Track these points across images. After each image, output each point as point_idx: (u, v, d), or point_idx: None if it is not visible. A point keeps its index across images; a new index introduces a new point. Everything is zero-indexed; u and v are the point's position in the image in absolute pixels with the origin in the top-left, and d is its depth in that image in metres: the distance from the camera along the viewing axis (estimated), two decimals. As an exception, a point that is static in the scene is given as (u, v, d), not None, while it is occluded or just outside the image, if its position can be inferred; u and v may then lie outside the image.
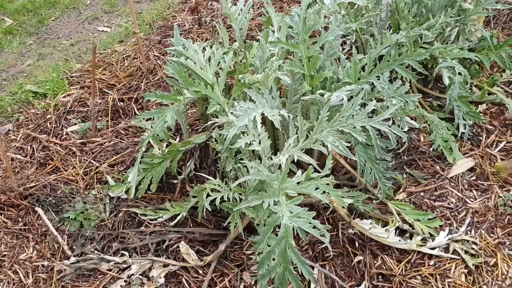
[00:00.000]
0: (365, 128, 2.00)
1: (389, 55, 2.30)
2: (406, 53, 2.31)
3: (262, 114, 1.92)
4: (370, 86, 2.24)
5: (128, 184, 2.54)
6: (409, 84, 2.42)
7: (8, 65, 3.78)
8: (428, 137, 2.82)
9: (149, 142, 2.85)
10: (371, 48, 2.30)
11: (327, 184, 1.78)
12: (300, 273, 1.75)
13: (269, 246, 1.72)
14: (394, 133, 2.10)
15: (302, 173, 1.84)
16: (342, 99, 1.94)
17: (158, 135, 2.22)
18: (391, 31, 2.97)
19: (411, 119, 2.87)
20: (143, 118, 2.91)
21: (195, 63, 2.23)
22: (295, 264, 1.71)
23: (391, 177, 2.46)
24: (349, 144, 1.93)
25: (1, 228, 2.50)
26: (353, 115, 1.96)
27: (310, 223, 1.70)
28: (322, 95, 2.02)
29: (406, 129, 2.22)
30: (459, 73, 2.69)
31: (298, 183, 1.80)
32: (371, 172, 2.32)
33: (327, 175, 1.83)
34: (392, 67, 2.28)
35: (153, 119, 2.26)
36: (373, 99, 2.19)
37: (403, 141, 2.51)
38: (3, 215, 2.56)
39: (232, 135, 1.86)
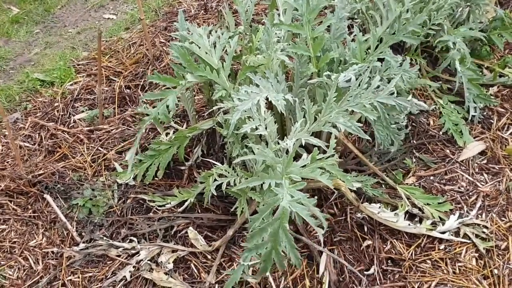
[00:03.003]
0: (374, 105, 1.97)
1: (393, 28, 2.25)
2: (408, 21, 2.25)
3: (267, 98, 1.90)
4: (379, 63, 2.20)
5: (138, 171, 2.54)
6: (418, 67, 2.37)
7: (15, 54, 3.78)
8: (438, 120, 2.78)
9: (156, 129, 2.86)
10: (376, 25, 2.26)
11: (333, 164, 1.76)
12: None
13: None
14: (400, 104, 2.06)
15: (308, 157, 1.82)
16: (350, 79, 1.91)
17: (159, 118, 2.22)
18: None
19: (419, 100, 2.84)
20: (148, 102, 2.92)
21: (199, 47, 2.20)
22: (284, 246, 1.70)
23: (404, 135, 2.40)
24: (360, 125, 1.91)
25: (11, 215, 2.52)
26: (360, 94, 1.93)
27: (308, 211, 1.68)
28: (329, 76, 1.99)
29: (410, 98, 2.18)
30: (458, 50, 2.64)
31: (304, 166, 1.78)
32: (387, 136, 2.28)
33: (332, 156, 1.81)
34: (397, 38, 2.22)
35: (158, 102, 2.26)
36: (377, 75, 2.15)
37: (410, 112, 2.46)
38: (12, 203, 2.58)
39: (236, 119, 1.83)
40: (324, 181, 1.71)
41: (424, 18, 2.26)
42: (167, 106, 2.15)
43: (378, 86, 1.94)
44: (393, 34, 2.22)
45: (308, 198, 1.71)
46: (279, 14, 2.32)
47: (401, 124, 2.34)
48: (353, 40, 2.22)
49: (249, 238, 1.72)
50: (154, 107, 2.86)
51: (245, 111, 1.84)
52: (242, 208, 2.10)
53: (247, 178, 2.10)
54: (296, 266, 1.75)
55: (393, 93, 1.97)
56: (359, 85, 1.91)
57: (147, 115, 2.92)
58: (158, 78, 2.20)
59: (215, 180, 2.12)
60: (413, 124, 2.76)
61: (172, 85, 2.22)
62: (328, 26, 2.23)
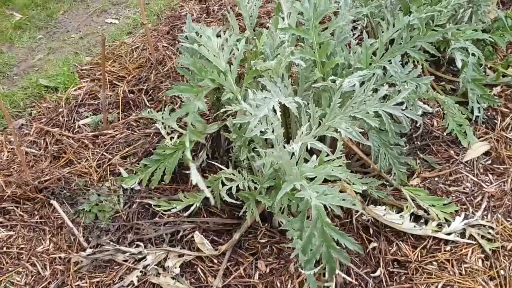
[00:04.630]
0: (377, 113, 1.97)
1: (400, 38, 2.26)
2: (418, 35, 2.26)
3: (278, 102, 1.90)
4: (382, 70, 2.21)
5: (144, 176, 2.54)
6: (421, 67, 2.38)
7: (19, 60, 3.80)
8: (442, 121, 2.79)
9: (158, 133, 2.87)
10: (383, 31, 2.27)
11: (340, 166, 1.77)
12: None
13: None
14: (408, 117, 2.07)
15: (316, 159, 1.84)
16: (354, 85, 1.92)
17: (194, 126, 2.18)
18: (402, 15, 2.92)
19: (424, 103, 2.84)
20: (152, 106, 2.92)
21: (208, 50, 2.20)
22: (336, 240, 1.71)
23: (405, 162, 2.43)
24: (362, 130, 1.91)
25: (18, 221, 2.53)
26: (365, 101, 1.94)
27: (338, 197, 1.68)
28: (334, 81, 2.00)
29: (419, 113, 2.19)
30: (473, 54, 2.64)
31: (314, 167, 1.79)
32: (385, 157, 2.30)
33: (339, 158, 1.82)
34: (404, 50, 2.24)
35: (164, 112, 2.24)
36: (385, 84, 2.16)
37: (418, 124, 2.48)
38: (19, 209, 2.59)
39: (253, 125, 1.82)
40: (338, 175, 1.72)
41: (437, 37, 2.27)
42: (198, 110, 2.10)
43: (385, 96, 1.95)
44: (399, 44, 2.23)
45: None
46: (283, 18, 2.33)
47: (402, 149, 2.36)
48: (358, 44, 2.23)
49: (302, 249, 1.72)
50: (158, 110, 2.87)
51: (261, 117, 1.84)
52: (252, 212, 2.10)
53: (254, 182, 2.11)
54: (357, 250, 1.74)
55: (402, 103, 1.98)
56: (364, 91, 1.92)
57: (152, 119, 2.93)
58: (178, 90, 2.10)
59: (223, 184, 2.13)
60: (419, 129, 2.77)
61: (192, 94, 2.16)
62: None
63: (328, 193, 1.68)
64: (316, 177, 1.75)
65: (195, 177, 1.69)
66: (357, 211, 2.37)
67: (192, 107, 2.03)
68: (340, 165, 1.82)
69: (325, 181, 1.89)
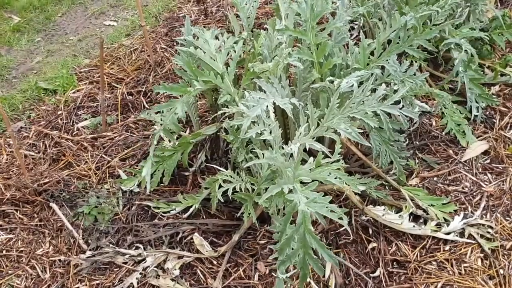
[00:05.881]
0: (376, 112, 1.98)
1: (398, 37, 2.26)
2: (415, 34, 2.26)
3: (273, 103, 1.90)
4: (380, 70, 2.21)
5: (142, 178, 2.54)
6: (419, 67, 2.38)
7: (17, 62, 3.80)
8: (441, 121, 2.79)
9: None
10: (380, 32, 2.27)
11: (338, 169, 1.77)
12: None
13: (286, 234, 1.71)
14: (406, 115, 2.07)
15: (313, 161, 1.83)
16: (352, 85, 1.92)
17: (169, 128, 2.21)
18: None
19: (422, 102, 2.85)
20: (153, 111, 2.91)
21: (205, 52, 2.21)
22: (315, 249, 1.70)
23: (406, 157, 2.43)
24: (361, 130, 1.91)
25: (17, 224, 2.53)
26: (363, 101, 1.94)
27: (327, 207, 1.68)
28: (332, 82, 2.00)
29: (416, 110, 2.20)
30: (465, 51, 2.65)
31: (310, 170, 1.79)
32: (386, 154, 2.30)
33: (337, 160, 1.82)
34: (402, 48, 2.24)
35: (163, 112, 2.25)
36: (382, 83, 2.16)
37: (414, 122, 2.48)
38: (18, 212, 2.59)
39: (247, 126, 1.83)
40: (333, 181, 1.72)
41: (434, 34, 2.27)
42: (175, 114, 2.15)
43: (383, 96, 1.95)
44: (397, 44, 2.23)
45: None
46: (280, 19, 2.33)
47: (402, 144, 2.36)
48: (355, 44, 2.23)
49: (279, 250, 1.72)
50: (157, 113, 2.87)
51: (253, 117, 1.84)
52: (249, 213, 2.10)
53: (252, 183, 2.11)
54: (333, 264, 1.75)
55: (398, 102, 1.98)
56: (362, 91, 1.92)
57: (151, 121, 2.94)
58: (164, 88, 2.20)
59: (221, 186, 2.13)
60: (415, 124, 2.77)
61: (179, 94, 2.22)
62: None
63: (318, 201, 1.68)
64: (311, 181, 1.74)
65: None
66: (356, 211, 2.37)
67: (172, 106, 2.06)
68: (338, 168, 1.82)
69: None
